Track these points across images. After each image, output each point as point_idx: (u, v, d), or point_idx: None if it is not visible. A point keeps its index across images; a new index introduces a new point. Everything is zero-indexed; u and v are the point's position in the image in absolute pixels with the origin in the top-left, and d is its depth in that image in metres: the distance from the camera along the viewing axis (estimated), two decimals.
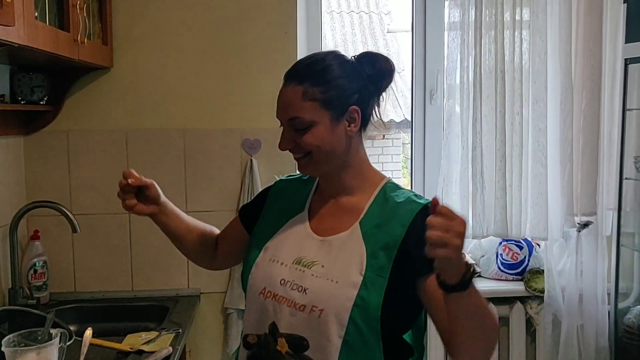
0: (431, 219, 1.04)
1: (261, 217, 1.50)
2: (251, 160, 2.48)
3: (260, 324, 1.34)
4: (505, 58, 2.47)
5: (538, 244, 2.74)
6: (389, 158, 7.67)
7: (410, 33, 2.83)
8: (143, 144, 2.50)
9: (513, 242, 2.70)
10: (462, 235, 1.04)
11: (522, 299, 2.68)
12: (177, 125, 2.48)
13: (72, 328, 2.32)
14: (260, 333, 1.34)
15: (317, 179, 1.45)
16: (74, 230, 2.19)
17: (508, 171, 2.50)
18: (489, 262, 2.76)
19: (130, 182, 1.43)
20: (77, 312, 2.39)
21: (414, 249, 1.14)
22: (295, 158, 1.36)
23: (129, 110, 2.49)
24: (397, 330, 1.32)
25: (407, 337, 1.36)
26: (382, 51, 6.30)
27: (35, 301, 2.24)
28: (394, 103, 7.49)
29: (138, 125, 2.50)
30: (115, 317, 2.37)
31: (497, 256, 2.73)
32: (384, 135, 7.70)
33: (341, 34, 7.72)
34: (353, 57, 1.38)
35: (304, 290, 1.28)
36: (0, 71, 2.27)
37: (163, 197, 1.49)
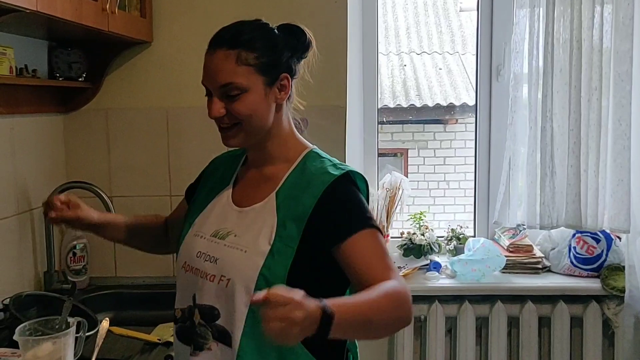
0: (265, 313, 0.99)
1: (195, 195, 1.49)
2: None
3: (184, 297, 1.36)
4: (583, 25, 2.18)
5: (618, 237, 2.44)
6: (462, 143, 7.34)
7: (476, 9, 2.59)
8: (185, 122, 2.37)
9: (589, 234, 2.42)
10: (299, 317, 0.98)
11: (598, 298, 2.40)
12: None
13: (108, 315, 2.25)
14: (184, 306, 1.35)
15: (246, 152, 1.44)
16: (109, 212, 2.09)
17: (583, 154, 2.22)
18: (560, 256, 2.48)
19: (52, 215, 1.46)
20: (114, 298, 2.31)
21: (325, 219, 1.22)
22: (222, 128, 1.32)
23: (170, 87, 2.37)
24: None
25: None
26: (456, 32, 5.91)
27: (70, 285, 2.15)
28: (467, 85, 7.15)
29: (180, 103, 2.37)
30: (153, 305, 2.27)
31: (569, 249, 2.46)
32: (457, 120, 7.38)
33: (414, 14, 7.43)
34: (275, 27, 1.36)
35: (215, 260, 1.29)
36: (38, 46, 2.19)
37: (96, 217, 1.50)
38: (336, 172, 1.29)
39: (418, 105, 6.55)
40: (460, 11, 7.84)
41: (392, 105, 5.14)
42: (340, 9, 2.31)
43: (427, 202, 4.68)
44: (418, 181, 5.38)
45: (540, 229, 2.34)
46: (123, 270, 2.44)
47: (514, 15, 2.30)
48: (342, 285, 1.32)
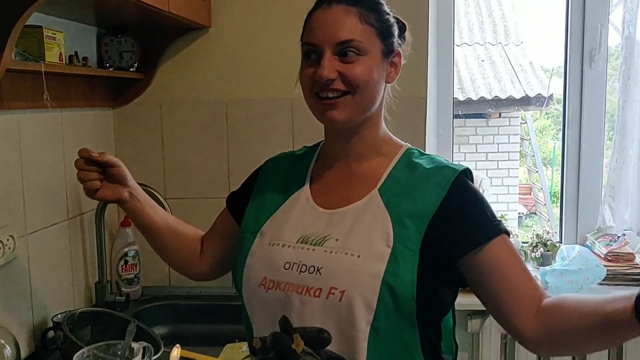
0: None
1: (251, 201, 1.23)
2: None
3: (265, 322, 1.10)
4: None
5: None
6: (505, 138, 7.08)
7: None
8: (246, 117, 2.14)
9: None
10: None
11: None
12: (284, 94, 2.08)
13: (164, 330, 2.05)
14: (265, 335, 1.10)
15: (318, 150, 1.25)
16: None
17: None
18: None
19: (93, 156, 1.24)
20: (170, 310, 2.09)
21: (452, 222, 1.04)
22: (323, 99, 1.09)
23: (230, 78, 2.13)
24: (433, 315, 1.10)
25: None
26: (498, 22, 5.77)
27: (124, 298, 1.94)
28: (513, 78, 6.86)
29: (241, 94, 2.13)
30: (214, 319, 2.05)
31: None
32: (500, 113, 7.09)
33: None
34: None
35: (317, 270, 1.04)
36: (86, 34, 1.98)
37: (132, 181, 1.31)
38: (459, 167, 1.12)
39: (461, 98, 6.29)
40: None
41: None
42: None
43: None
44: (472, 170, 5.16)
45: None
46: (178, 279, 2.20)
47: None
48: (454, 294, 1.15)
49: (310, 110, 1.15)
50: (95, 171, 1.26)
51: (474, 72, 6.83)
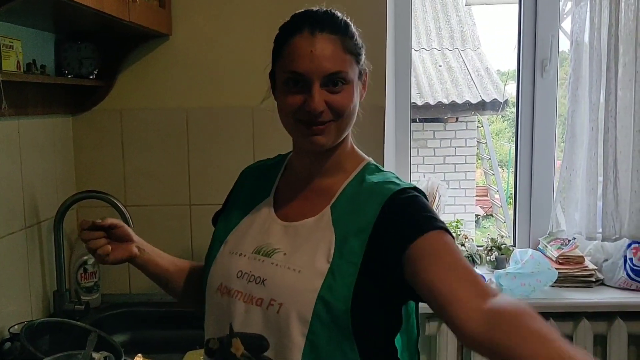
0: None
1: (225, 212, 1.29)
2: None
3: (220, 325, 1.15)
4: None
5: None
6: (463, 142, 7.21)
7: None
8: (207, 124, 2.15)
9: None
10: None
11: None
12: (245, 102, 2.10)
13: (124, 337, 2.04)
14: (222, 335, 1.15)
15: (286, 161, 1.28)
16: (128, 225, 1.86)
17: None
18: (614, 268, 2.28)
19: (97, 223, 1.26)
20: (131, 317, 2.08)
21: (390, 226, 1.06)
22: (313, 127, 1.11)
23: (190, 86, 2.14)
24: (374, 329, 1.10)
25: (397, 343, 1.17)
26: (455, 27, 5.83)
27: (83, 306, 1.92)
28: (469, 83, 7.00)
29: (201, 102, 2.14)
30: (175, 325, 2.05)
31: (625, 261, 2.26)
32: (457, 118, 7.22)
33: (412, 9, 7.26)
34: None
35: (262, 281, 1.10)
36: (44, 40, 1.96)
37: (135, 236, 1.33)
38: (401, 183, 1.15)
39: (419, 103, 6.38)
40: (466, 5, 7.67)
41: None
42: (379, 2, 2.09)
43: None
44: (417, 181, 5.26)
45: (602, 240, 2.15)
46: (138, 286, 2.21)
47: (573, 6, 2.09)
48: (406, 306, 1.18)
49: (287, 131, 1.18)
50: (102, 237, 1.27)
51: (432, 77, 6.94)
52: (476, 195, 7.34)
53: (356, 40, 1.15)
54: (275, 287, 1.08)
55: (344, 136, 1.17)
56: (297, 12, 1.17)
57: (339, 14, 1.16)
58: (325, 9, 1.16)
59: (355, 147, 1.25)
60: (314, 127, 1.11)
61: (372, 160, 1.24)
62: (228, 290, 1.14)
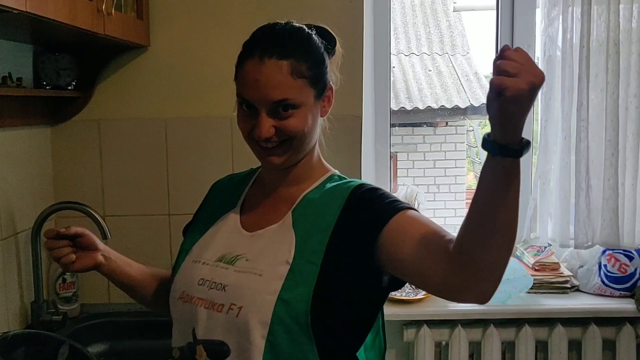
0: (504, 52, 0.85)
1: (193, 224, 1.33)
2: None
3: (182, 333, 1.17)
4: (621, 27, 2.01)
5: None
6: (453, 146, 7.24)
7: (495, 8, 2.42)
8: (185, 134, 2.17)
9: (621, 251, 2.26)
10: (537, 76, 0.84)
11: (632, 320, 2.22)
12: (224, 112, 2.11)
13: (103, 347, 2.06)
14: (183, 344, 1.17)
15: (256, 174, 1.31)
16: (104, 236, 1.87)
17: (621, 166, 2.06)
18: (589, 274, 2.31)
19: (61, 232, 1.27)
20: (110, 327, 2.10)
21: (355, 220, 1.09)
22: (266, 147, 1.15)
23: (168, 96, 2.16)
24: (335, 331, 1.12)
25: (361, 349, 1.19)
26: (445, 32, 5.77)
27: (60, 317, 1.93)
28: (459, 88, 7.03)
29: (179, 113, 2.16)
30: (154, 335, 2.05)
31: (600, 267, 2.29)
32: (447, 122, 7.26)
33: (401, 14, 7.29)
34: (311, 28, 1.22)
35: (223, 287, 1.12)
36: (21, 52, 1.97)
37: (101, 244, 1.34)
38: (360, 183, 1.19)
39: (409, 108, 6.41)
40: (454, 11, 7.72)
41: None
42: (355, 10, 2.12)
43: (414, 206, 4.55)
44: (407, 185, 5.28)
45: (575, 248, 2.18)
46: (117, 296, 2.21)
47: (545, 16, 2.12)
48: (372, 308, 1.19)
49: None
50: (67, 245, 1.28)
51: (422, 81, 6.98)
52: (466, 199, 7.38)
53: (313, 60, 1.15)
54: (236, 292, 1.10)
55: (302, 154, 1.19)
56: (258, 27, 1.19)
57: (296, 31, 1.17)
58: (283, 26, 1.17)
59: (322, 159, 1.27)
60: (263, 149, 1.15)
61: (337, 172, 1.26)
62: (190, 298, 1.16)
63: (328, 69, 1.19)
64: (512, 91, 0.82)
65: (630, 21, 2.02)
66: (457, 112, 6.81)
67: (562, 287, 2.30)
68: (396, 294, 2.28)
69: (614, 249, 2.25)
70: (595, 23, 2.01)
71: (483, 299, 1.01)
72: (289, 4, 2.10)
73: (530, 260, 2.35)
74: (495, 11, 2.43)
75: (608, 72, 2.03)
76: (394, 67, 5.60)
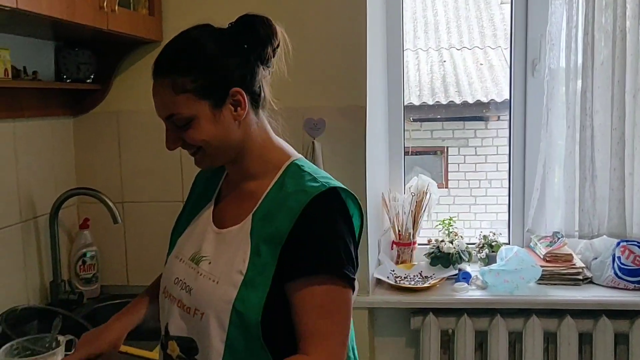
0: None
1: (181, 214, 1.36)
2: (313, 143, 2.17)
3: (163, 325, 1.25)
4: (628, 14, 1.96)
5: None
6: (505, 141, 7.12)
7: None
8: None
9: (635, 243, 2.21)
10: None
11: None
12: None
13: None
14: (162, 335, 1.25)
15: None
16: (115, 220, 1.99)
17: (628, 156, 2.01)
18: (603, 267, 2.27)
19: None
20: None
21: (298, 247, 1.10)
22: (190, 154, 1.21)
23: None
24: (287, 340, 1.12)
25: None
26: (498, 24, 5.54)
27: (76, 296, 2.06)
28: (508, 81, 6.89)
29: None
30: None
31: (613, 259, 2.24)
32: (498, 117, 7.12)
33: (454, 7, 7.20)
34: (231, 25, 1.22)
35: (189, 290, 1.18)
36: (43, 47, 2.11)
37: (114, 341, 1.34)
38: (313, 190, 1.13)
39: (458, 102, 6.34)
40: (501, 3, 7.58)
41: (430, 103, 4.98)
42: (359, 1, 2.15)
43: (467, 201, 4.52)
44: (459, 180, 5.22)
45: (579, 238, 2.14)
46: (136, 278, 2.34)
47: (550, 5, 2.10)
48: None
49: None
50: None
51: (472, 75, 6.88)
52: None
53: (199, 72, 1.12)
54: (198, 298, 1.16)
55: (228, 156, 1.19)
56: None
57: (183, 44, 1.17)
58: (175, 40, 1.19)
59: (278, 144, 1.25)
60: (191, 154, 1.21)
61: (297, 158, 1.23)
62: (169, 295, 1.23)
63: (232, 72, 1.15)
64: None
65: (637, 7, 1.97)
66: (506, 105, 6.69)
67: (574, 279, 2.27)
68: (403, 283, 2.31)
69: (628, 241, 2.21)
70: (598, 8, 1.97)
71: None
72: None
73: (542, 251, 2.33)
74: (509, 4, 2.41)
75: (614, 59, 1.98)
76: (444, 61, 5.58)
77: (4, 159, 1.87)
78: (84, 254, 2.22)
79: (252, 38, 1.18)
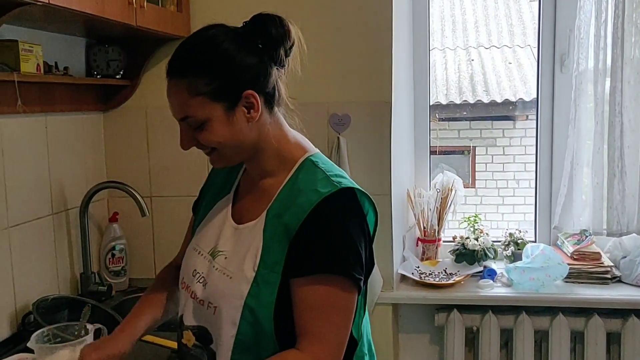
0: None
1: (200, 202, 1.38)
2: (338, 138, 2.18)
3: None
4: None
5: None
6: (532, 141, 7.04)
7: None
8: None
9: None
10: None
11: None
12: None
13: None
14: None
15: None
16: (143, 213, 2.03)
17: None
18: (632, 265, 2.23)
19: None
20: None
21: (306, 246, 1.11)
22: (205, 153, 1.22)
23: None
24: (294, 333, 1.15)
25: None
26: (527, 23, 5.45)
27: (105, 288, 2.10)
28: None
29: None
30: None
31: None
32: (527, 116, 7.05)
33: (482, 6, 7.15)
34: (244, 24, 1.20)
35: (205, 284, 1.20)
36: (75, 44, 2.15)
37: (130, 343, 1.32)
38: (325, 190, 1.13)
39: (486, 101, 6.29)
40: (530, 1, 7.50)
41: (458, 102, 4.94)
42: (384, 10, 2.14)
43: (495, 201, 4.48)
44: (486, 180, 5.16)
45: (608, 235, 2.11)
46: None
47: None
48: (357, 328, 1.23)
49: None
50: None
51: (501, 74, 6.82)
52: None
53: (214, 74, 1.12)
54: (212, 292, 1.18)
55: (242, 156, 1.20)
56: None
57: (199, 45, 1.16)
58: (189, 40, 1.18)
59: (296, 140, 1.24)
60: (207, 154, 1.21)
61: (312, 154, 1.23)
62: (186, 287, 1.25)
63: (246, 73, 1.14)
64: None
65: None
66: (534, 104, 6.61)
67: (602, 278, 2.24)
68: (428, 279, 2.30)
69: None
70: (628, 3, 1.94)
71: None
72: None
73: (569, 249, 2.30)
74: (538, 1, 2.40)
75: None
76: (472, 60, 5.53)
77: (36, 152, 1.92)
78: (113, 247, 2.26)
79: (265, 38, 1.16)
